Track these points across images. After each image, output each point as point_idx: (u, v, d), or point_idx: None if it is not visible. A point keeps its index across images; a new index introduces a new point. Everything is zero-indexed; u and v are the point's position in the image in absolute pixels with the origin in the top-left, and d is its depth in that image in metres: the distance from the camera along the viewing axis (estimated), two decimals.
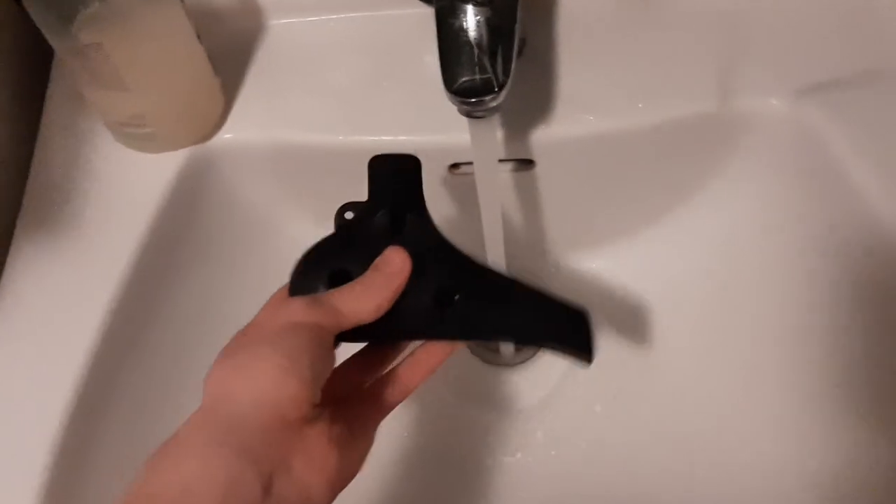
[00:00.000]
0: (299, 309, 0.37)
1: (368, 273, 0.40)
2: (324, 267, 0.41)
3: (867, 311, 0.52)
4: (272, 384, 0.33)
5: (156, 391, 0.54)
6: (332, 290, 0.39)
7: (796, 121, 0.54)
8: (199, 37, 0.54)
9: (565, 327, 0.43)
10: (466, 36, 0.44)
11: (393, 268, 0.40)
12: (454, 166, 0.58)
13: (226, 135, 0.58)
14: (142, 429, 0.52)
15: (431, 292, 0.41)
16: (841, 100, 0.53)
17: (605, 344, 0.59)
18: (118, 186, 0.56)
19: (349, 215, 0.45)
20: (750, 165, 0.58)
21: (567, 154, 0.57)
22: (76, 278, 0.52)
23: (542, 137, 0.55)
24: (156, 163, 0.56)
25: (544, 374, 0.64)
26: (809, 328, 0.56)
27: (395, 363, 0.44)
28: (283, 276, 0.62)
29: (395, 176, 0.46)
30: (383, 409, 0.42)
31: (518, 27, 0.45)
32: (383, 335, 0.41)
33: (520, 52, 0.57)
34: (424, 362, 0.43)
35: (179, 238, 0.57)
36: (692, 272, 0.62)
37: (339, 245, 0.43)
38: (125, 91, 0.51)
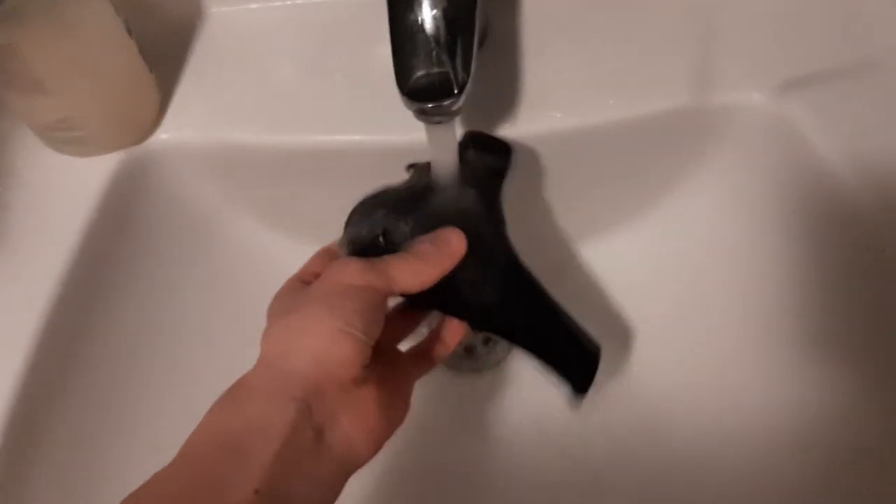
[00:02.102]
0: (356, 272, 0.39)
1: (425, 246, 0.42)
2: (378, 222, 0.44)
3: (852, 303, 0.52)
4: (328, 345, 0.36)
5: (95, 410, 0.52)
6: (387, 257, 0.41)
7: (777, 115, 0.52)
8: (129, 30, 0.50)
9: (576, 358, 0.46)
10: (422, 30, 0.41)
11: (450, 248, 0.42)
12: (412, 166, 0.55)
13: (162, 135, 0.55)
14: (81, 453, 0.51)
15: (473, 279, 0.44)
16: (822, 94, 0.52)
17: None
18: (47, 194, 0.53)
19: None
20: (728, 161, 0.56)
21: (533, 153, 0.54)
22: (1, 295, 0.49)
23: (507, 136, 0.53)
24: (88, 167, 0.53)
25: (518, 375, 0.63)
26: (786, 315, 0.55)
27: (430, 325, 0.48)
28: (231, 283, 0.61)
29: (486, 156, 0.48)
30: (421, 370, 0.45)
31: (478, 19, 0.42)
32: (426, 304, 0.45)
33: (481, 44, 0.54)
34: (458, 326, 0.46)
35: (116, 247, 0.54)
36: (667, 269, 0.61)
37: (400, 200, 0.46)
38: (47, 95, 0.47)
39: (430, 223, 0.43)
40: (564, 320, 0.46)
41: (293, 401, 0.35)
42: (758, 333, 0.56)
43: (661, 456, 0.57)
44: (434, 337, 0.47)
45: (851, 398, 0.50)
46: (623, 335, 0.61)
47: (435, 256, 0.41)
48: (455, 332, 0.47)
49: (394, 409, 0.41)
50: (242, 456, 0.33)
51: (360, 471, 0.39)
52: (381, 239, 0.43)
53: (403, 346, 0.47)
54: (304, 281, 0.42)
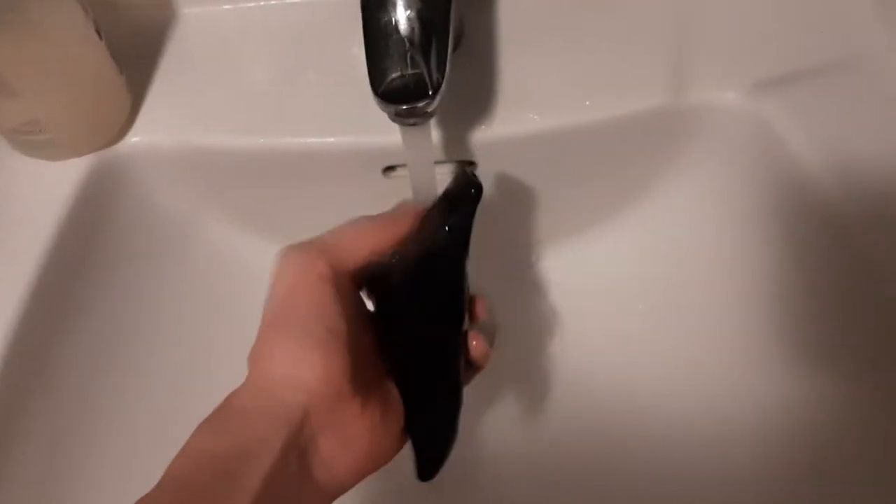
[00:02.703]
0: (297, 263, 0.37)
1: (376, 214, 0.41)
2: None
3: (829, 303, 0.52)
4: (300, 368, 0.35)
5: (67, 416, 0.51)
6: (328, 231, 0.39)
7: (753, 115, 0.52)
8: (98, 32, 0.49)
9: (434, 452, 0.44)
10: (396, 31, 0.40)
11: (400, 208, 0.41)
12: (389, 168, 0.55)
13: (134, 138, 0.54)
14: (53, 459, 0.50)
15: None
16: (798, 94, 0.52)
17: (566, 331, 0.62)
18: (14, 199, 0.52)
19: None
20: (705, 161, 0.56)
21: (510, 155, 0.54)
22: None
23: (483, 138, 0.52)
24: (56, 171, 0.52)
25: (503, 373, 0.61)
26: (764, 315, 0.55)
27: None
28: (204, 284, 0.60)
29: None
30: None
31: (453, 19, 0.41)
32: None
33: (456, 46, 0.54)
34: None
35: (87, 252, 0.53)
36: (644, 270, 0.61)
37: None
38: (15, 97, 0.46)
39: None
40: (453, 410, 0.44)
41: (282, 426, 0.34)
42: (736, 334, 0.56)
43: (640, 457, 0.57)
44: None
45: (832, 399, 0.50)
46: (599, 336, 0.61)
47: (384, 216, 0.40)
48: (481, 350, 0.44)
49: (384, 435, 0.39)
50: (231, 480, 0.32)
51: None
52: None
53: None
54: None
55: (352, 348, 0.36)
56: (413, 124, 0.41)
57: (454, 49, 0.46)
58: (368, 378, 0.38)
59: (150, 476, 0.34)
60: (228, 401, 0.36)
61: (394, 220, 0.41)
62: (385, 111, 0.40)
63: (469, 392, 0.62)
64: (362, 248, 0.39)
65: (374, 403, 0.38)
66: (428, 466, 0.43)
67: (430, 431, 0.43)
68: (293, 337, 0.35)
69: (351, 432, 0.36)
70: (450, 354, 0.42)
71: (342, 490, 0.37)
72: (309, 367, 0.35)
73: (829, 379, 0.51)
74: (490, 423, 0.60)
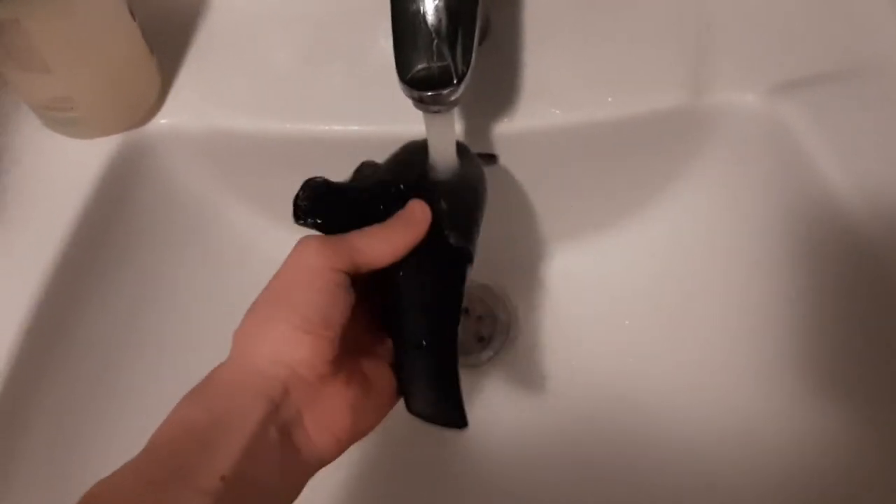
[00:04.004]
0: (315, 252, 0.38)
1: (390, 219, 0.41)
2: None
3: (839, 305, 0.52)
4: (286, 347, 0.36)
5: (83, 393, 0.52)
6: (351, 232, 0.40)
7: (771, 117, 0.52)
8: (132, 13, 0.50)
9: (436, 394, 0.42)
10: (423, 21, 0.40)
11: (415, 217, 0.41)
12: None
13: (162, 120, 0.54)
14: (67, 439, 0.51)
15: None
16: (817, 97, 0.52)
17: (573, 330, 0.62)
18: (43, 174, 0.52)
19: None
20: (722, 162, 0.56)
21: (532, 149, 0.54)
22: None
23: (506, 131, 0.53)
24: (85, 149, 0.52)
25: (500, 373, 0.63)
26: (775, 318, 0.55)
27: None
28: (224, 269, 0.60)
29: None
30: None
31: (480, 12, 0.42)
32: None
33: (482, 40, 0.54)
34: None
35: (110, 231, 0.53)
36: (657, 270, 0.61)
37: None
38: (48, 72, 0.47)
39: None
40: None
41: (260, 399, 0.35)
42: (745, 347, 0.56)
43: (640, 458, 0.57)
44: None
45: (843, 419, 0.50)
46: (605, 337, 0.61)
47: (400, 226, 0.41)
48: None
49: (366, 409, 0.39)
50: (210, 447, 0.33)
51: (333, 465, 0.38)
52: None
53: None
54: None
55: (342, 339, 0.37)
56: (437, 111, 0.41)
57: (480, 42, 0.46)
58: (352, 361, 0.39)
59: None
60: (211, 374, 0.37)
61: (408, 224, 0.41)
62: (410, 97, 0.40)
63: (470, 390, 0.62)
64: (379, 254, 0.40)
65: (356, 382, 0.39)
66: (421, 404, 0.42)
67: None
68: (288, 319, 0.36)
69: (333, 410, 0.37)
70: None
71: (322, 463, 0.38)
72: (296, 347, 0.36)
73: (841, 414, 0.50)
74: (490, 422, 0.60)
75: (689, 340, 0.59)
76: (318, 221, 0.42)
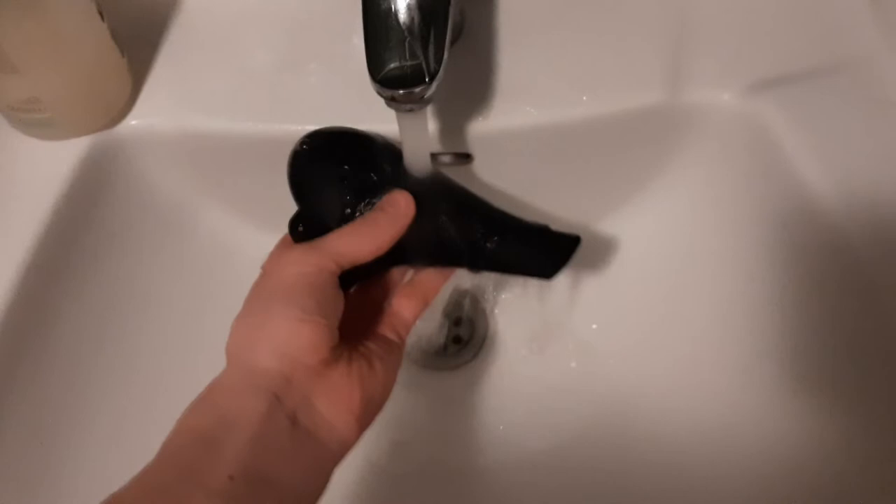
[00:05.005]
0: (299, 258, 0.39)
1: (373, 213, 0.42)
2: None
3: (819, 300, 0.52)
4: (288, 336, 0.37)
5: (55, 397, 0.51)
6: (330, 234, 0.41)
7: (748, 115, 0.52)
8: (101, 13, 0.49)
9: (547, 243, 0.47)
10: (395, 20, 0.40)
11: (398, 209, 0.42)
12: None
13: (133, 121, 0.53)
14: (40, 441, 0.50)
15: (430, 228, 0.44)
16: (793, 95, 0.52)
17: (554, 333, 0.63)
18: (11, 177, 0.51)
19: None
20: (699, 161, 0.56)
21: (507, 147, 0.54)
22: None
23: (481, 130, 0.52)
24: (55, 151, 0.52)
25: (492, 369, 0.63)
26: (756, 316, 0.55)
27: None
28: (198, 271, 0.60)
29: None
30: (404, 329, 0.46)
31: (453, 11, 0.41)
32: (383, 267, 0.45)
33: (457, 38, 0.54)
34: (421, 290, 0.47)
35: (82, 233, 0.53)
36: (636, 271, 0.61)
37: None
38: (15, 73, 0.46)
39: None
40: (522, 222, 0.47)
41: (261, 393, 0.36)
42: (728, 339, 0.56)
43: (630, 459, 0.57)
44: (413, 290, 0.47)
45: (827, 415, 0.50)
46: (589, 335, 0.61)
47: (384, 219, 0.41)
48: (436, 279, 0.47)
49: (374, 382, 0.40)
50: (215, 447, 0.34)
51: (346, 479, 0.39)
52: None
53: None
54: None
55: (339, 327, 0.39)
56: (409, 110, 0.41)
57: (453, 41, 0.46)
58: (353, 341, 0.41)
59: (134, 459, 0.34)
60: (210, 385, 0.38)
61: (394, 219, 0.42)
62: (382, 96, 0.40)
63: (466, 395, 0.62)
64: (364, 252, 0.41)
65: (359, 357, 0.40)
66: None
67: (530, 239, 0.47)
68: (283, 313, 0.37)
69: (342, 387, 0.38)
70: None
71: (345, 445, 0.39)
72: (296, 336, 0.37)
73: (824, 410, 0.51)
74: (486, 428, 0.61)
75: (671, 340, 0.59)
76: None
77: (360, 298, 0.46)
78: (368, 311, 0.46)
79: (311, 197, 0.46)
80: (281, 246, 0.44)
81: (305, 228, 0.44)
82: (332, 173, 0.45)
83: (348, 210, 0.44)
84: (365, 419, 0.39)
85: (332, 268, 0.39)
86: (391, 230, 0.41)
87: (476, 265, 0.46)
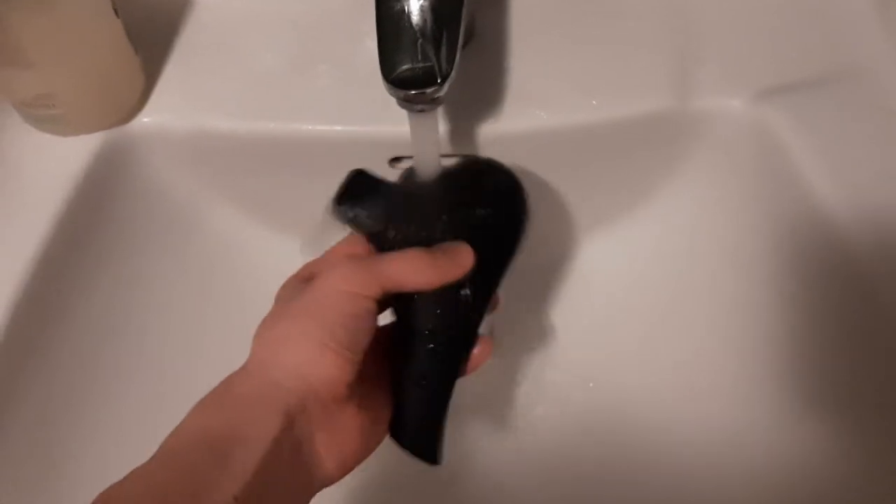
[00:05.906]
0: (345, 276, 0.38)
1: (433, 251, 0.41)
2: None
3: (824, 308, 0.52)
4: (311, 361, 0.36)
5: (61, 394, 0.51)
6: (388, 254, 0.40)
7: (757, 122, 0.52)
8: (116, 10, 0.50)
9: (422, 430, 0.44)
10: (408, 21, 0.40)
11: (460, 259, 0.41)
12: (395, 159, 0.55)
13: (145, 118, 0.54)
14: (45, 436, 0.50)
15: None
16: (802, 103, 0.52)
17: (557, 336, 0.62)
18: (23, 172, 0.52)
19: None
20: (707, 168, 0.56)
21: (516, 151, 0.53)
22: None
23: (490, 133, 0.53)
24: (67, 147, 0.52)
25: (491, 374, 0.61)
26: (761, 324, 0.55)
27: None
28: (206, 269, 0.60)
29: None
30: None
31: (465, 14, 0.42)
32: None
33: (468, 41, 0.54)
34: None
35: (91, 230, 0.53)
36: (643, 275, 0.60)
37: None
38: (29, 69, 0.46)
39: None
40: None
41: (277, 414, 0.35)
42: (732, 346, 0.56)
43: (631, 467, 0.57)
44: None
45: (830, 426, 0.50)
46: (592, 339, 0.61)
47: (443, 262, 0.41)
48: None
49: (372, 434, 0.40)
50: (226, 461, 0.33)
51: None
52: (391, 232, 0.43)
53: None
54: (304, 279, 0.41)
55: (362, 364, 0.37)
56: (421, 110, 0.41)
57: (465, 44, 0.46)
58: (365, 387, 0.39)
59: (138, 457, 0.34)
60: (229, 381, 0.37)
61: (452, 265, 0.41)
62: (393, 96, 0.40)
63: (463, 397, 0.62)
64: (411, 283, 0.40)
65: (366, 407, 0.39)
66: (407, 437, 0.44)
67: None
68: (316, 335, 0.36)
69: (345, 432, 0.38)
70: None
71: (328, 483, 0.38)
72: (320, 364, 0.36)
73: (827, 421, 0.51)
74: (481, 429, 0.60)
75: (674, 346, 0.59)
76: (353, 215, 0.43)
77: (385, 333, 0.44)
78: (385, 355, 0.44)
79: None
80: (337, 250, 0.44)
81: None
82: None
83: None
84: (351, 467, 0.39)
85: (375, 291, 0.38)
86: (445, 274, 0.40)
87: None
